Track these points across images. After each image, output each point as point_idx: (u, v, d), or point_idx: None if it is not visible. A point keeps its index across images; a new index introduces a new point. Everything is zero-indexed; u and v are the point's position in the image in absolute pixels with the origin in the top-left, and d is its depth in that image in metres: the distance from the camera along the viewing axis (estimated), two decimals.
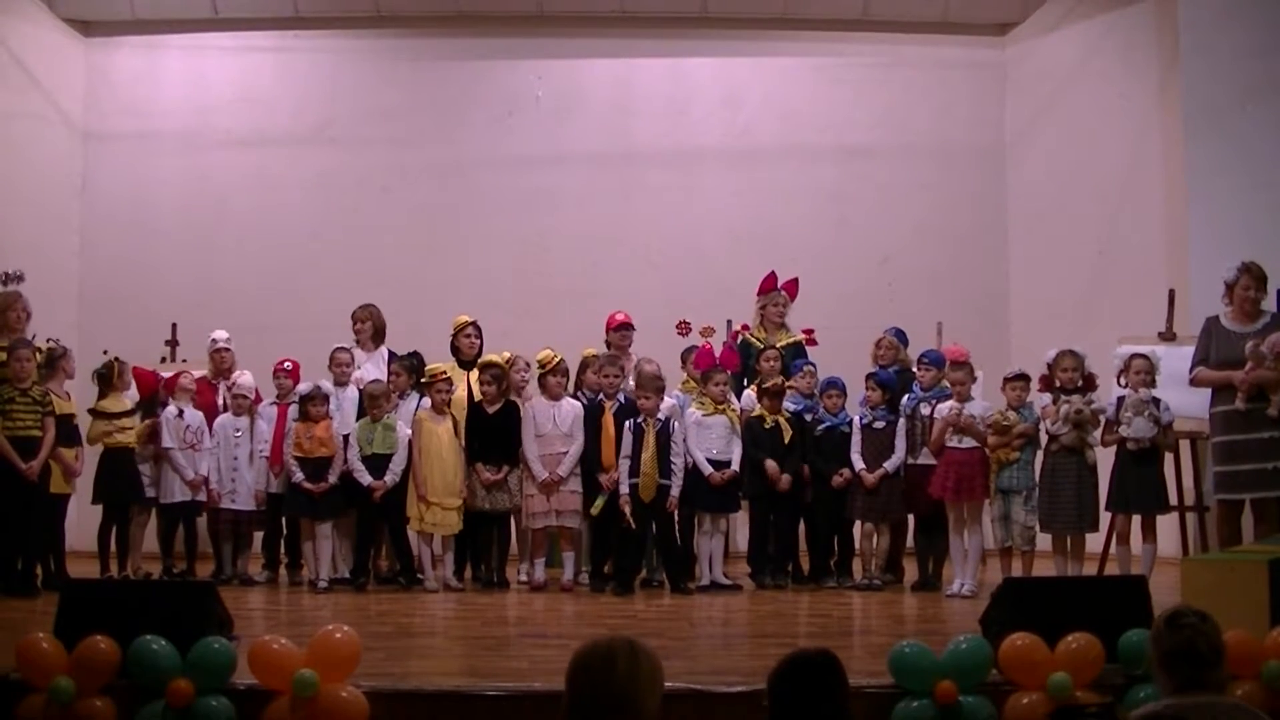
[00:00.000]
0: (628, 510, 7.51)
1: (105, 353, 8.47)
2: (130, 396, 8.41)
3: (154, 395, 8.48)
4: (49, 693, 4.28)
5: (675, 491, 7.57)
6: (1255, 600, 4.91)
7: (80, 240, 10.87)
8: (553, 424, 7.85)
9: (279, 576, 8.29)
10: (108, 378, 8.23)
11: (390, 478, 7.82)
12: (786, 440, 7.85)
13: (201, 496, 8.25)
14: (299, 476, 7.80)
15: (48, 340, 8.13)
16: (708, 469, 7.69)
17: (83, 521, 8.59)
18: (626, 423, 7.66)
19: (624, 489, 7.56)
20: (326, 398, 7.99)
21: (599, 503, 7.69)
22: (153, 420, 8.30)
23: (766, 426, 7.87)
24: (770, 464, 7.74)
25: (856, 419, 7.93)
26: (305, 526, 7.93)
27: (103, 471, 8.15)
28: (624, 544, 7.68)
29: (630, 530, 7.55)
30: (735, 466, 7.74)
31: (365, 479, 7.81)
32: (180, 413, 8.26)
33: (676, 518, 7.79)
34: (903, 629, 6.41)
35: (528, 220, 10.86)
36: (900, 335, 8.50)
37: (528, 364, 8.27)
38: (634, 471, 7.56)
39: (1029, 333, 10.16)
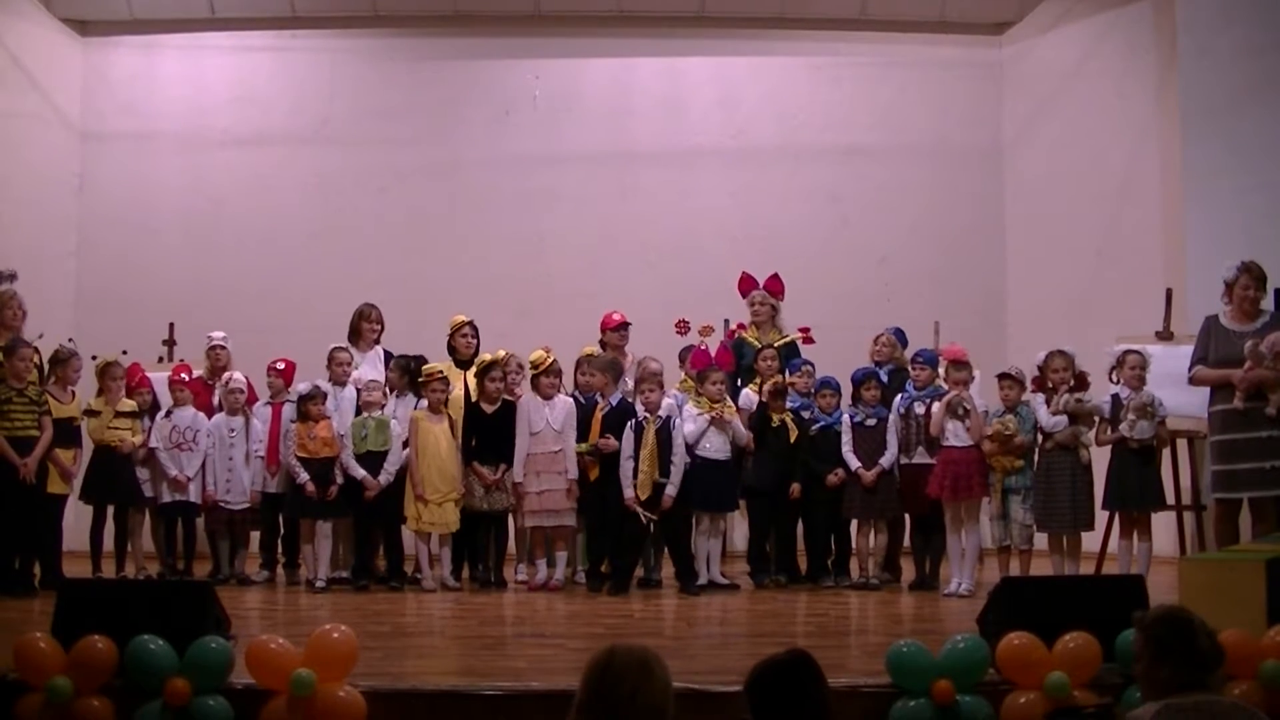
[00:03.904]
0: (639, 510, 7.48)
1: (125, 353, 8.46)
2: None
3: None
4: (46, 692, 4.27)
5: (672, 490, 7.53)
6: (1252, 599, 4.90)
7: (78, 240, 10.88)
8: (546, 423, 7.83)
9: (276, 576, 8.27)
10: (100, 375, 8.23)
11: (385, 477, 7.82)
12: (793, 439, 7.86)
13: (190, 496, 8.17)
14: (303, 478, 7.78)
15: (69, 339, 8.14)
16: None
17: (80, 522, 8.56)
18: (629, 422, 7.65)
19: (628, 492, 7.52)
20: (325, 396, 7.98)
21: (583, 446, 7.73)
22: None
23: (774, 425, 7.87)
24: (795, 487, 7.83)
25: (846, 417, 7.93)
26: (306, 527, 7.91)
27: (92, 471, 8.12)
28: (620, 543, 7.67)
29: (639, 527, 7.52)
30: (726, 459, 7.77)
31: (359, 473, 7.80)
32: (168, 413, 8.25)
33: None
34: (900, 628, 6.41)
35: (525, 220, 10.86)
36: (900, 335, 8.49)
37: (520, 365, 8.24)
38: (637, 471, 7.55)
39: (1026, 332, 10.15)
